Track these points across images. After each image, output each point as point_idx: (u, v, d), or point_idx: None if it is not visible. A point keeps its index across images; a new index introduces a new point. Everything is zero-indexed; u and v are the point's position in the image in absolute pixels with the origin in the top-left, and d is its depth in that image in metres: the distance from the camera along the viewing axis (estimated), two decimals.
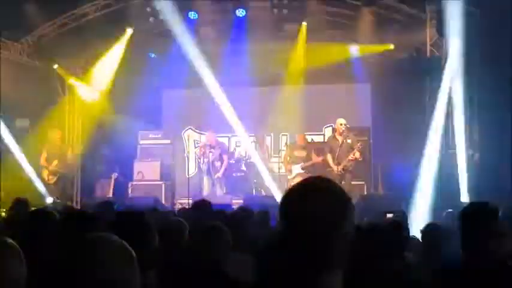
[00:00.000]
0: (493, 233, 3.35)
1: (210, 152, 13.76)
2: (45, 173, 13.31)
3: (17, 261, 2.11)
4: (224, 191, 13.81)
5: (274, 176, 13.98)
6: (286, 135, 15.54)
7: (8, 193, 11.40)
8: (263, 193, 13.91)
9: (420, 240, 5.64)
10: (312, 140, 15.23)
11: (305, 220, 1.75)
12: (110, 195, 13.69)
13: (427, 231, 5.48)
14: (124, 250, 1.76)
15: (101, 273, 1.66)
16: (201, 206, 6.93)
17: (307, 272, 1.74)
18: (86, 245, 1.72)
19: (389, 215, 7.20)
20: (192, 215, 6.87)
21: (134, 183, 14.08)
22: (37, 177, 13.23)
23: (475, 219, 3.41)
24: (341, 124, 12.59)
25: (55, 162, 13.26)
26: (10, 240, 2.18)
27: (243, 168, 14.81)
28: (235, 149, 15.58)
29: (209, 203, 6.87)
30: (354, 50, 14.44)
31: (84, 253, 1.70)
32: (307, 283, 1.74)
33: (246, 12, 14.01)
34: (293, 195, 1.82)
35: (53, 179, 13.29)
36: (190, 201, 12.34)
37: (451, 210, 7.26)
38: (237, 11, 14.04)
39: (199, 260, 4.07)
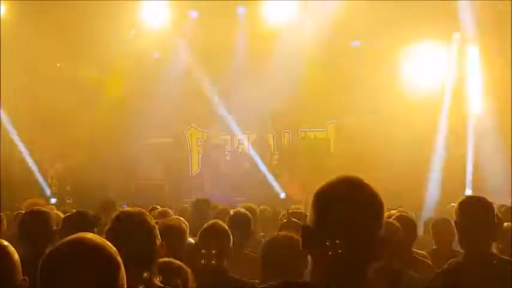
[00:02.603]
0: (489, 225, 3.38)
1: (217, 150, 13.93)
2: (49, 175, 13.41)
3: (11, 263, 2.12)
4: (228, 189, 13.83)
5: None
6: (289, 131, 15.50)
7: (13, 194, 11.47)
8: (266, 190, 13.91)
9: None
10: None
11: (349, 214, 1.83)
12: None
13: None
14: (102, 251, 1.71)
15: (76, 274, 1.65)
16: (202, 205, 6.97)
17: (351, 265, 1.82)
18: (64, 245, 1.70)
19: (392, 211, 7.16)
20: (194, 214, 6.92)
21: (138, 182, 14.10)
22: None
23: (472, 211, 3.45)
24: None
25: (59, 164, 13.38)
26: (5, 243, 2.19)
27: (246, 165, 14.81)
28: (238, 146, 15.57)
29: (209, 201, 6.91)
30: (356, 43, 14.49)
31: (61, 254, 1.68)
32: (350, 275, 1.82)
33: None
34: (332, 190, 1.90)
35: (56, 181, 13.42)
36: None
37: (454, 204, 7.22)
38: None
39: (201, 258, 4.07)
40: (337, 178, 1.92)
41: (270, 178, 13.98)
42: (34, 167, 13.50)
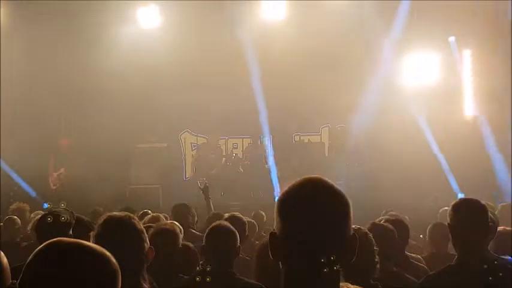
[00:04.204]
0: (483, 227, 3.37)
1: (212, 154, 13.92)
2: (51, 179, 13.49)
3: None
4: (222, 194, 13.81)
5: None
6: (283, 136, 15.45)
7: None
8: (261, 195, 13.89)
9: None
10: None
11: (310, 217, 1.77)
12: None
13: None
14: (101, 259, 1.64)
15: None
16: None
17: (309, 269, 1.76)
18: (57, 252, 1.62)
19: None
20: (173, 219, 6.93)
21: (132, 187, 14.06)
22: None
23: (465, 214, 3.44)
24: None
25: (62, 169, 13.48)
26: None
27: (240, 170, 14.80)
28: (232, 151, 15.53)
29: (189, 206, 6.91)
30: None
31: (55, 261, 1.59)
32: (308, 279, 1.76)
33: None
34: (296, 194, 1.83)
35: (57, 186, 13.45)
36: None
37: (446, 208, 7.22)
38: None
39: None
40: (299, 181, 1.86)
41: (264, 182, 13.96)
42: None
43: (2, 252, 2.15)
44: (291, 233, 1.79)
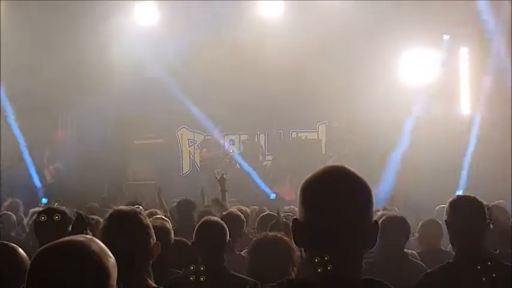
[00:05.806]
0: (481, 224, 3.39)
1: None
2: (46, 173, 13.44)
3: (14, 261, 2.13)
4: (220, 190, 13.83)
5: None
6: (280, 132, 15.50)
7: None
8: (257, 191, 13.92)
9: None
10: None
11: (333, 204, 1.79)
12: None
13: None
14: (93, 258, 1.66)
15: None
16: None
17: (345, 255, 1.78)
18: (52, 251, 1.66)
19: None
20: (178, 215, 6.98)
21: (128, 182, 14.08)
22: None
23: (465, 211, 3.45)
24: None
25: (57, 163, 13.42)
26: (9, 243, 2.21)
27: (238, 166, 14.82)
28: (229, 147, 15.56)
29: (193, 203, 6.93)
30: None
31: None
32: (345, 265, 1.78)
33: None
34: (319, 181, 1.86)
35: (53, 180, 13.43)
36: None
37: (443, 205, 7.23)
38: None
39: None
40: (322, 169, 1.89)
41: (261, 179, 14.00)
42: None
43: (20, 248, 2.18)
44: (314, 219, 1.81)
